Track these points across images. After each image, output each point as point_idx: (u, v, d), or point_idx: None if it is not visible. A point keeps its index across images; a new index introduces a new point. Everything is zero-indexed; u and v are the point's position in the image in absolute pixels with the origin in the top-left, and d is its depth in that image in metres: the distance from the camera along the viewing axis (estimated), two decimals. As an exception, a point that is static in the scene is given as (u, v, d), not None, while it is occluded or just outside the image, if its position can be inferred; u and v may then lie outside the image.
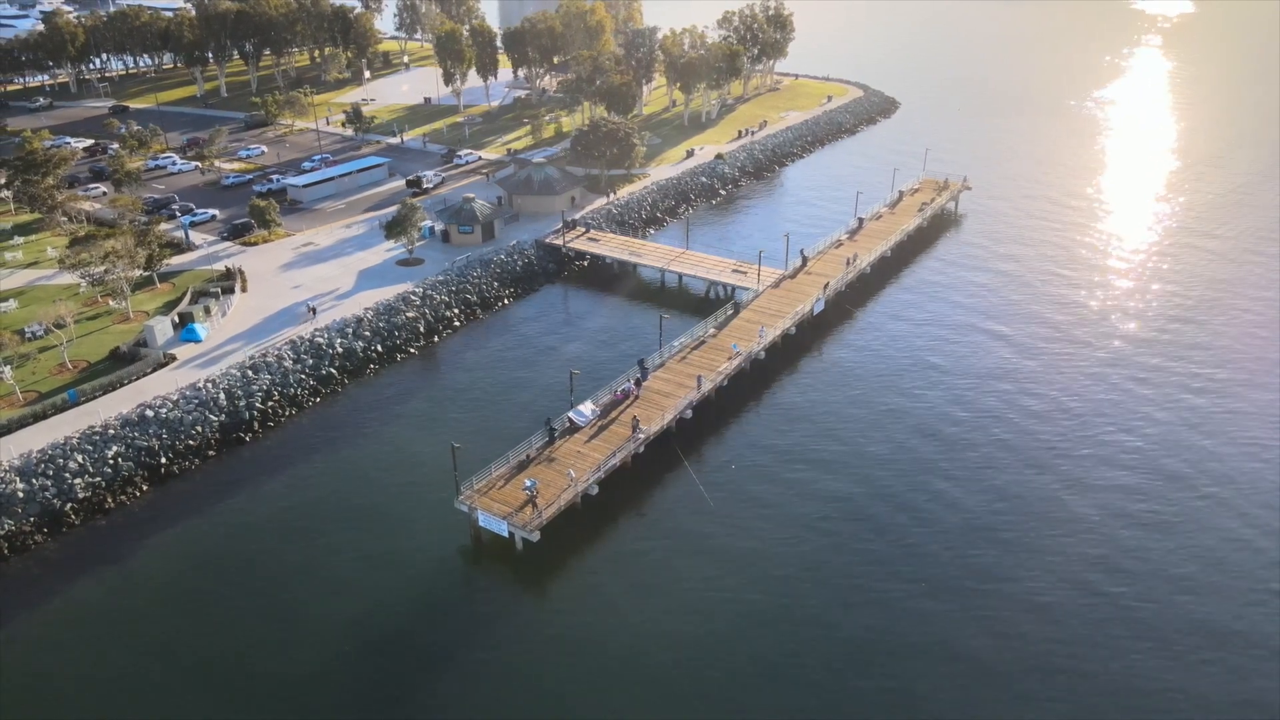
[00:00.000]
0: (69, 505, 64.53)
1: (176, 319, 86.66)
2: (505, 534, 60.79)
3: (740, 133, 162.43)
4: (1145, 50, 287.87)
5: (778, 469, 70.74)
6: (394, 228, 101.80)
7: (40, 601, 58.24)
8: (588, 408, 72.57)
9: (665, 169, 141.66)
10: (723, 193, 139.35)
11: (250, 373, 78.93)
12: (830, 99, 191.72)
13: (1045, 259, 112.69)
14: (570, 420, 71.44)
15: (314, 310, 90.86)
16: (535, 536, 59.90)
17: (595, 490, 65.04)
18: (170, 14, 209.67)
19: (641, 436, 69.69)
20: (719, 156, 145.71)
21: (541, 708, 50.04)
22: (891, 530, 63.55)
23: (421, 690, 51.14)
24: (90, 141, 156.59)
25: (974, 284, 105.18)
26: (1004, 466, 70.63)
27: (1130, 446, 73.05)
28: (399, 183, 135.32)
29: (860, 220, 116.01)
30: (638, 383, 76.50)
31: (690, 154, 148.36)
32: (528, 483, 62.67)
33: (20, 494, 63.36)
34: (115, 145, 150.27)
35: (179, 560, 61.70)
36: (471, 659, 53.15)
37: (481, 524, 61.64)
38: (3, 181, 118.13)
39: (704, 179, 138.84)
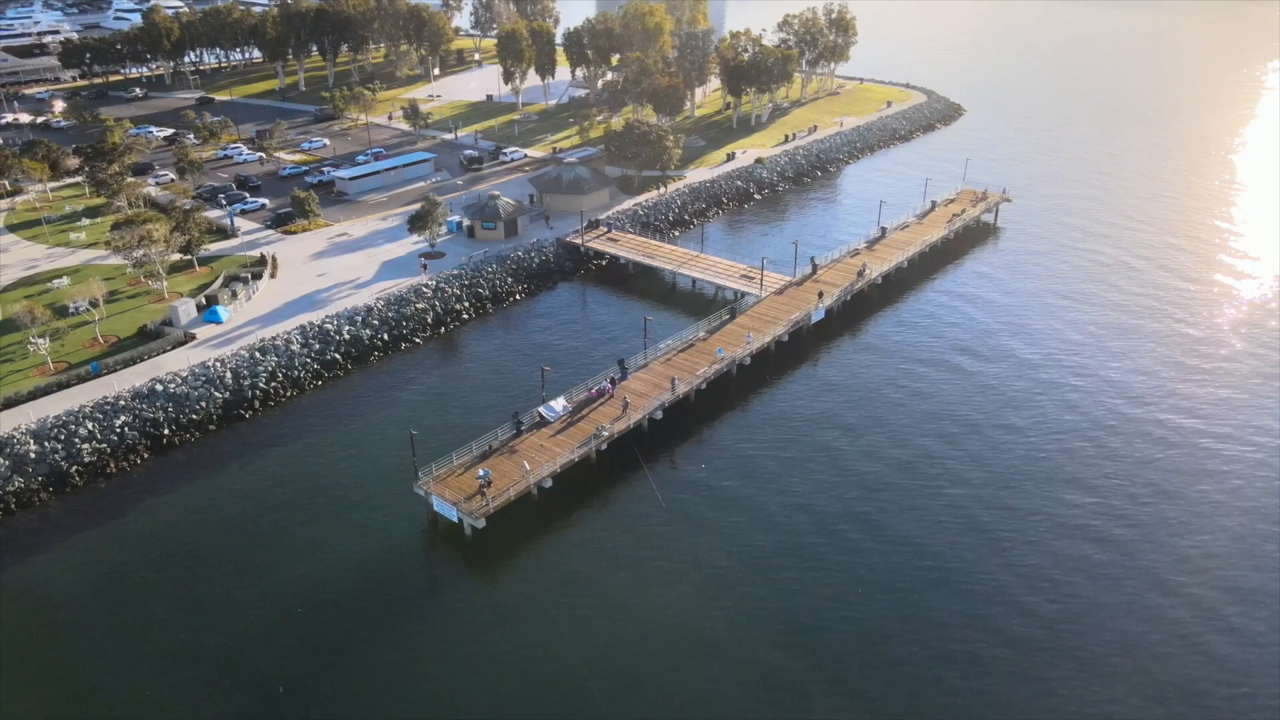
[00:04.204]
0: (74, 468, 70.50)
1: (204, 300, 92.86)
2: (455, 519, 63.79)
3: (787, 137, 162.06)
4: (1274, 60, 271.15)
5: (741, 472, 71.63)
6: (416, 222, 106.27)
7: (41, 553, 63.96)
8: (559, 404, 74.96)
9: (703, 171, 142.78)
10: (757, 197, 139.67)
11: (258, 354, 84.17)
12: (890, 104, 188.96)
13: (1073, 280, 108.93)
14: (540, 415, 73.94)
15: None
16: (481, 523, 62.70)
17: (549, 484, 67.36)
18: (261, 10, 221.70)
19: (605, 434, 71.67)
20: (758, 161, 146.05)
21: (459, 679, 52.81)
22: (843, 535, 63.88)
23: (356, 648, 55.02)
24: (171, 131, 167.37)
25: (986, 302, 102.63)
26: (963, 480, 69.85)
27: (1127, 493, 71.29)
28: (446, 178, 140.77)
29: (883, 230, 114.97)
30: (614, 381, 78.44)
31: (731, 157, 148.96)
32: (481, 472, 65.51)
33: (32, 455, 69.63)
34: (191, 135, 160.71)
35: (168, 523, 66.66)
36: (407, 627, 56.56)
37: (435, 509, 64.83)
38: (76, 166, 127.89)
39: (739, 183, 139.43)
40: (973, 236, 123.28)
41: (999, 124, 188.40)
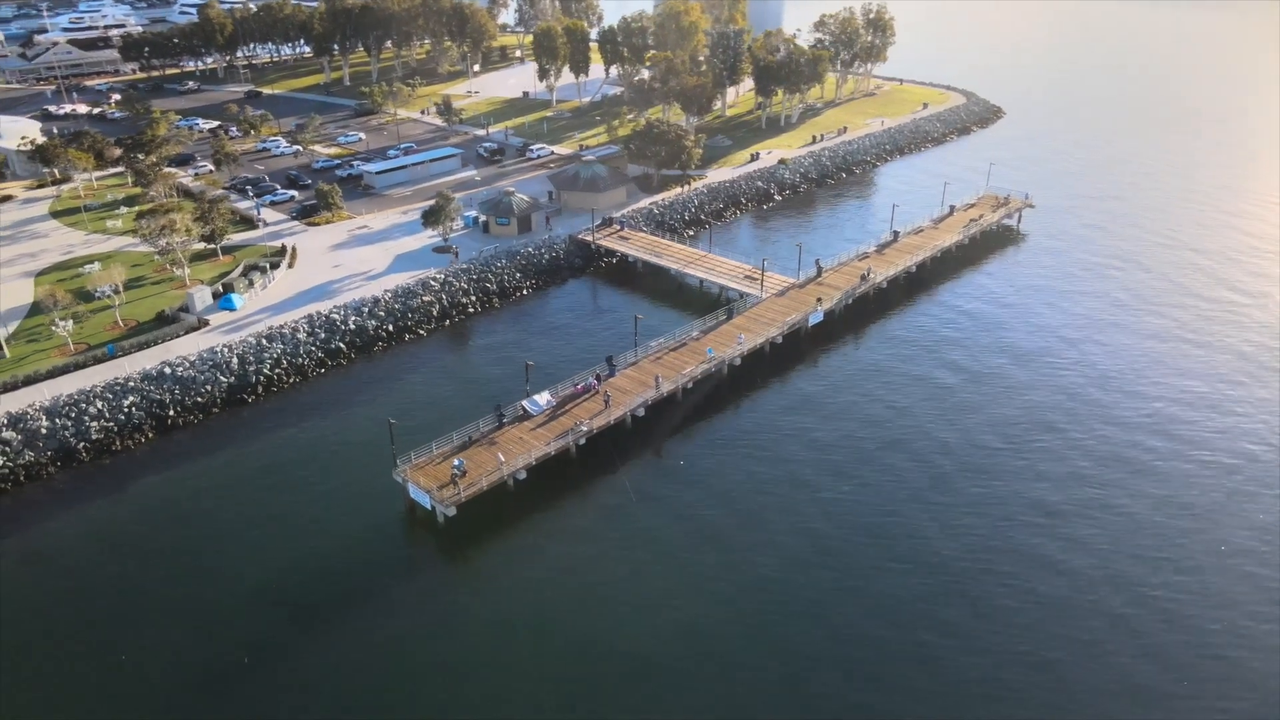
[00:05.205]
0: (82, 444, 74.30)
1: (220, 288, 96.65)
2: (428, 507, 65.90)
3: (815, 138, 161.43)
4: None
5: (717, 471, 72.62)
6: (430, 217, 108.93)
7: (45, 524, 67.76)
8: (543, 398, 76.60)
9: (725, 171, 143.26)
10: (778, 198, 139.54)
11: (265, 341, 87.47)
12: (925, 106, 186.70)
13: (1083, 296, 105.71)
14: (524, 408, 75.69)
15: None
16: (452, 511, 64.70)
17: (523, 475, 69.09)
18: (311, 6, 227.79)
19: (583, 429, 73.13)
20: (782, 161, 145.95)
21: (415, 661, 54.92)
22: (800, 547, 64.47)
23: (319, 624, 57.63)
24: (216, 124, 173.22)
25: (988, 313, 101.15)
26: (928, 498, 69.73)
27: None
28: (471, 172, 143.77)
29: (895, 233, 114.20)
30: (600, 378, 79.85)
31: (754, 158, 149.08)
32: (457, 462, 67.52)
33: (43, 430, 73.67)
34: (233, 128, 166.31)
35: (165, 499, 70.06)
36: (372, 608, 58.93)
37: (411, 495, 67.06)
38: (117, 156, 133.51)
39: (759, 183, 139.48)
40: (991, 242, 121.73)
41: (1038, 128, 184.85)
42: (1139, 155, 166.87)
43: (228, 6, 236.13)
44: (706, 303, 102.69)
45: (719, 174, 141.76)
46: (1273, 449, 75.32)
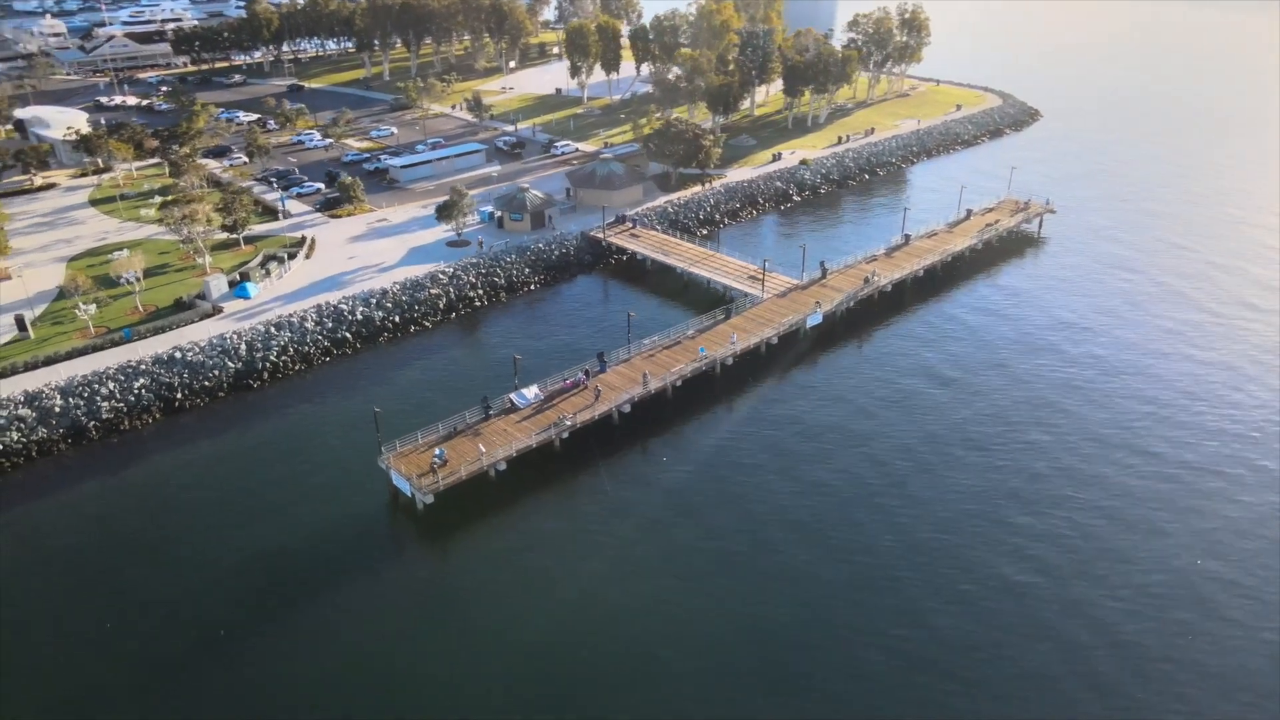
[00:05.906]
0: (93, 423, 77.93)
1: (236, 276, 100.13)
2: (408, 494, 67.98)
3: (840, 139, 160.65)
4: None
5: (698, 467, 73.59)
6: (444, 211, 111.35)
7: (53, 498, 71.26)
8: (531, 392, 78.22)
9: (745, 171, 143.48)
10: (796, 199, 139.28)
11: (273, 329, 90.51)
12: (959, 107, 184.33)
13: (1092, 311, 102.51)
14: (511, 401, 77.40)
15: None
16: (430, 499, 66.72)
17: (503, 467, 70.79)
18: (355, 2, 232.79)
19: (567, 423, 74.58)
20: (803, 162, 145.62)
21: (384, 639, 56.99)
22: (775, 545, 65.14)
23: (294, 602, 60.05)
24: (255, 116, 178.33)
25: (989, 323, 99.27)
26: (906, 499, 69.79)
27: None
28: (494, 168, 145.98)
29: (907, 237, 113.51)
30: (588, 373, 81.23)
31: (777, 158, 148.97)
32: (438, 452, 69.50)
33: (57, 409, 77.43)
34: (271, 120, 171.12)
35: (167, 479, 73.20)
36: (348, 587, 61.27)
37: (394, 482, 69.21)
38: (154, 147, 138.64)
39: (779, 184, 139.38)
40: (1009, 248, 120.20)
41: (1073, 131, 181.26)
42: (1173, 160, 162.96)
43: (275, 2, 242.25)
44: (711, 301, 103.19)
45: (739, 173, 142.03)
46: (1257, 469, 73.82)
